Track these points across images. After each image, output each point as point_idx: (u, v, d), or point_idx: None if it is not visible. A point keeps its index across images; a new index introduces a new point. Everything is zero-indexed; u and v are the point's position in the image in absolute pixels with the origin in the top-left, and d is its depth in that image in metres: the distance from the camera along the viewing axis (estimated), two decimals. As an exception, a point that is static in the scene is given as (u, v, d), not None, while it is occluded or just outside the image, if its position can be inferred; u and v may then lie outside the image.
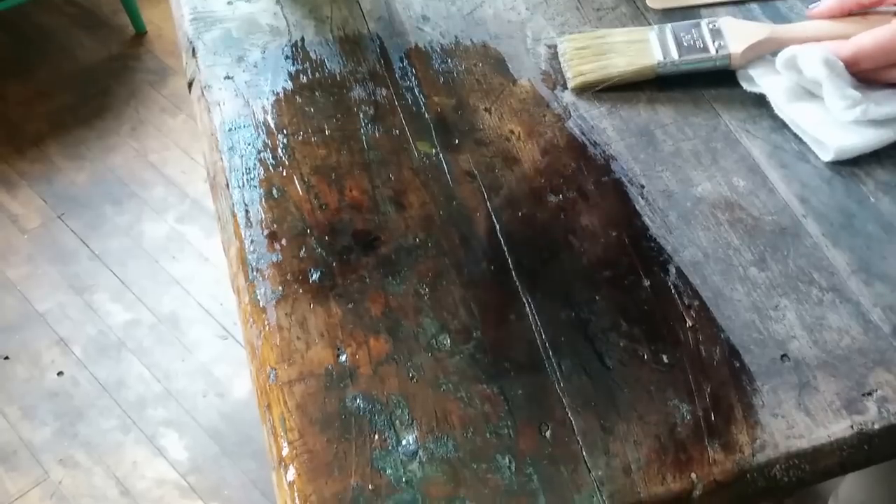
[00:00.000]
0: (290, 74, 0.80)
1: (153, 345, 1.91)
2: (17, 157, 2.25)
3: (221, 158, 0.74)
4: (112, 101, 2.38)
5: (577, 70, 0.79)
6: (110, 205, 2.15)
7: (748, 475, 0.58)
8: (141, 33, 2.55)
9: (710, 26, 0.79)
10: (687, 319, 0.64)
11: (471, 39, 0.83)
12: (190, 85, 0.82)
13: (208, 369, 1.87)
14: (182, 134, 2.29)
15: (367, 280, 0.66)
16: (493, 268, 0.67)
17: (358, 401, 0.59)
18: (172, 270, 2.03)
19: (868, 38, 0.74)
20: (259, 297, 0.65)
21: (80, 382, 1.85)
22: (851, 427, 0.59)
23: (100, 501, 1.70)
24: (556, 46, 0.82)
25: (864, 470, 1.22)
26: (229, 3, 0.86)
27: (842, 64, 0.74)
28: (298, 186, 0.72)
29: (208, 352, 1.90)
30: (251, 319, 0.64)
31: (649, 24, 0.83)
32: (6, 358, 1.88)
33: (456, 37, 0.84)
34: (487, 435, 0.58)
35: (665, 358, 0.62)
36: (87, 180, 2.19)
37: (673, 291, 0.66)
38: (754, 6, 0.85)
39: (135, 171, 2.21)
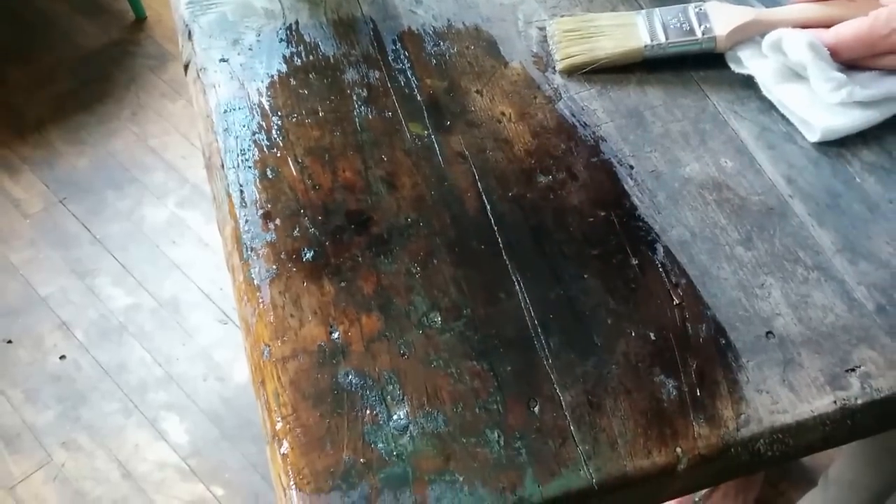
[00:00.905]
0: (284, 57, 0.81)
1: (154, 329, 1.92)
2: (19, 142, 2.26)
3: (216, 140, 0.75)
4: (112, 87, 2.38)
5: (565, 52, 0.80)
6: (111, 189, 2.16)
7: (732, 449, 0.59)
8: (141, 19, 2.56)
9: (697, 10, 0.80)
10: (674, 297, 0.65)
11: (463, 22, 0.84)
12: (186, 67, 0.83)
13: (209, 353, 1.88)
14: (182, 119, 2.30)
15: (360, 259, 0.67)
16: (483, 247, 0.68)
17: (350, 377, 0.61)
18: (173, 255, 2.04)
19: (847, 29, 0.75)
20: (253, 276, 0.66)
21: (82, 366, 1.86)
22: (834, 402, 0.60)
23: (102, 484, 1.71)
24: (546, 29, 0.83)
25: (853, 451, 1.24)
26: (225, -13, 0.87)
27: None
28: (292, 167, 0.72)
29: (208, 336, 1.91)
30: (245, 297, 0.65)
31: (639, 6, 0.84)
32: (9, 342, 1.89)
33: (448, 20, 0.84)
34: (477, 410, 0.59)
35: (652, 335, 0.63)
36: (89, 165, 2.21)
37: (660, 270, 0.67)
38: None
39: (135, 156, 2.22)
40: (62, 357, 1.87)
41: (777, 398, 0.60)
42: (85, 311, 1.94)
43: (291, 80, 0.79)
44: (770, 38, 0.76)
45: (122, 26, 2.56)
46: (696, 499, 1.54)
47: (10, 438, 1.76)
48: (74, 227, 2.08)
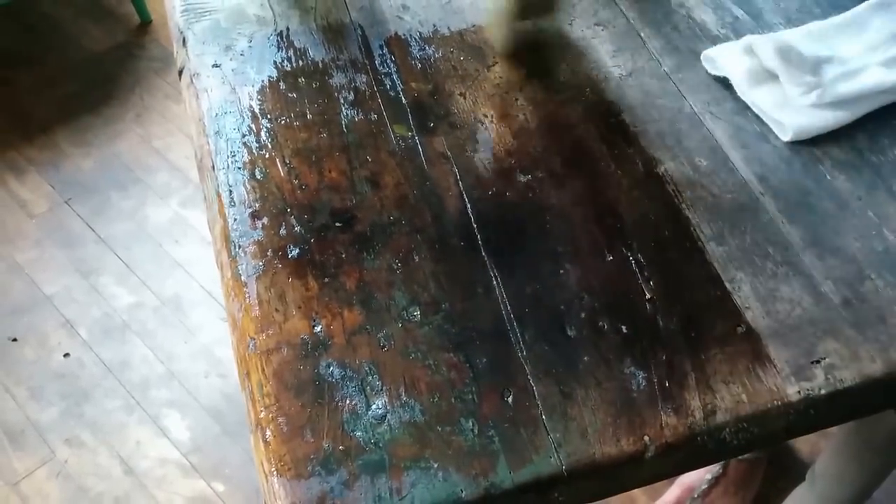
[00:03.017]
0: (275, 62, 0.83)
1: (157, 327, 1.94)
2: (26, 143, 2.28)
3: (208, 142, 0.77)
4: (117, 89, 2.41)
5: None
6: (116, 190, 2.18)
7: (699, 438, 0.61)
8: (146, 22, 2.58)
9: None
10: (646, 292, 0.68)
11: (448, 27, 0.87)
12: (180, 73, 0.86)
13: (210, 351, 1.90)
14: (186, 120, 2.31)
15: (343, 256, 0.69)
16: (462, 244, 0.70)
17: (331, 368, 0.63)
18: (176, 254, 2.06)
19: None
20: (241, 272, 0.68)
21: (86, 364, 1.88)
22: (799, 392, 0.63)
23: (104, 480, 1.73)
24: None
25: (838, 446, 1.26)
26: (218, -8, 0.90)
27: (797, 49, 0.77)
28: (280, 168, 0.75)
29: (210, 334, 1.93)
30: (233, 293, 0.68)
31: (620, 8, 0.86)
32: (14, 340, 1.92)
33: (434, 25, 0.87)
34: (452, 400, 0.62)
35: (624, 328, 0.66)
36: (94, 166, 2.23)
37: (634, 266, 0.69)
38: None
39: (140, 157, 2.25)
40: (66, 355, 1.90)
41: (743, 388, 0.63)
42: (89, 309, 1.97)
43: (281, 84, 0.82)
44: (743, 41, 0.79)
45: (127, 30, 2.58)
46: (695, 494, 1.56)
47: (14, 435, 1.78)
48: (79, 227, 2.11)
